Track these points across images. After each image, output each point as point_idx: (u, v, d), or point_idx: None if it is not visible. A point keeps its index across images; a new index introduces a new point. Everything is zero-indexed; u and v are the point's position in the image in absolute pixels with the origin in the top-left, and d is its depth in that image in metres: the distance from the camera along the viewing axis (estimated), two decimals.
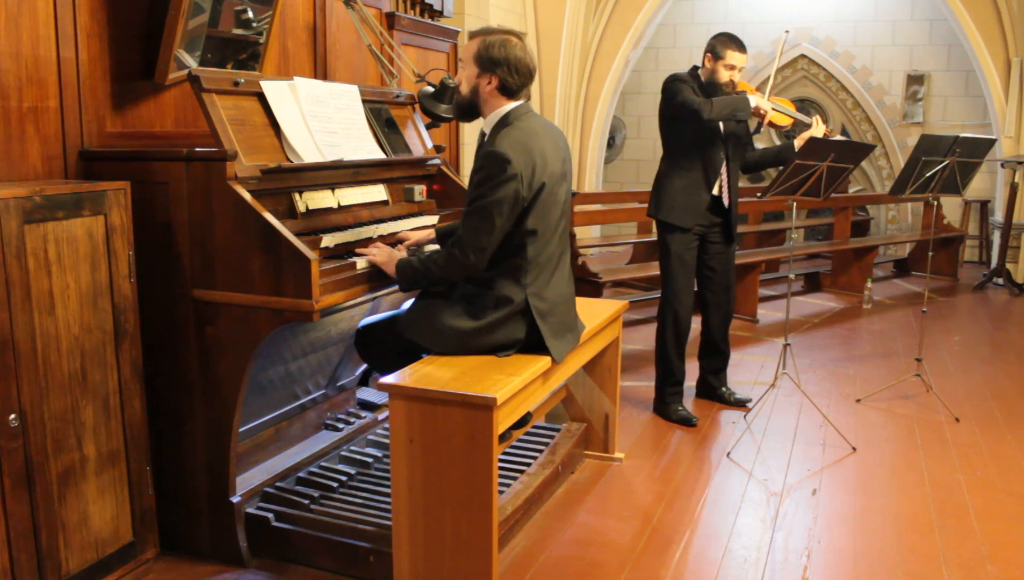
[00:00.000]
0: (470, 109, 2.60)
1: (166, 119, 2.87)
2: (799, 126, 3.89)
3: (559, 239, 2.64)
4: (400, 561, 2.38)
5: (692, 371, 4.14)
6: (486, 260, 2.48)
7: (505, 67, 2.48)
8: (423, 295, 2.68)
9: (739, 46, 3.69)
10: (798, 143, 3.73)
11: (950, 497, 3.12)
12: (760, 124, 3.79)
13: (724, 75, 3.69)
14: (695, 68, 3.80)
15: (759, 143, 4.12)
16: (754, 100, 3.66)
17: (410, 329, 2.60)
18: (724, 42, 3.69)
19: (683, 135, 3.75)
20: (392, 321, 2.71)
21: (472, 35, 2.56)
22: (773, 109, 3.77)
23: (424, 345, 2.58)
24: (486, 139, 2.56)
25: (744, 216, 3.87)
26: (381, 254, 2.60)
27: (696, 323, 4.06)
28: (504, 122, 2.52)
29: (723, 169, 3.79)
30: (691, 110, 3.57)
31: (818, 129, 3.78)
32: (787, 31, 4.23)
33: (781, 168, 3.65)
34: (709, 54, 3.72)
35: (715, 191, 3.80)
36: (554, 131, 2.65)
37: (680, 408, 3.91)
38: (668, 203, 3.80)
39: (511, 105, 2.53)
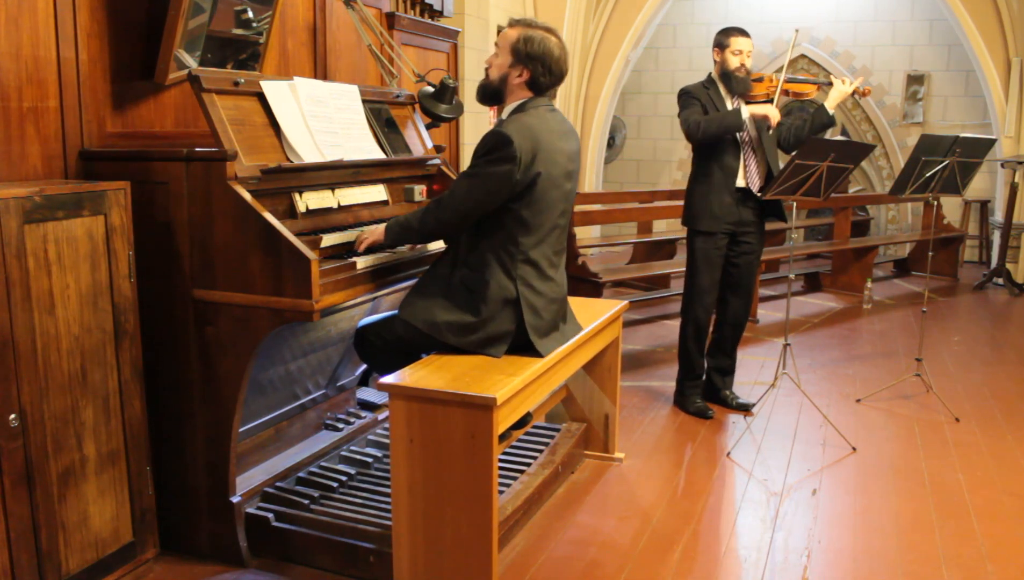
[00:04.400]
0: (495, 94, 2.63)
1: (166, 119, 2.87)
2: (823, 90, 3.87)
3: (557, 237, 2.65)
4: (400, 561, 2.38)
5: None
6: (459, 225, 2.52)
7: (540, 63, 2.52)
8: (420, 283, 2.67)
9: (740, 32, 3.81)
10: (829, 104, 3.77)
11: (950, 497, 3.12)
12: (769, 126, 3.77)
13: (733, 61, 3.77)
14: (708, 75, 3.87)
15: None
16: (747, 112, 3.68)
17: (405, 312, 2.61)
18: (726, 31, 3.83)
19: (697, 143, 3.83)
20: (391, 321, 2.71)
21: (513, 23, 2.58)
22: (790, 85, 3.78)
23: (418, 328, 2.57)
24: (499, 121, 2.59)
25: (785, 213, 3.95)
26: (372, 233, 2.64)
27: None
28: (521, 108, 2.56)
29: (741, 163, 3.80)
30: (685, 133, 3.75)
31: (845, 86, 3.77)
32: (796, 30, 4.25)
33: (781, 168, 3.65)
34: (716, 48, 3.83)
35: (740, 183, 3.81)
36: (568, 129, 2.67)
37: (697, 400, 3.99)
38: (694, 211, 3.89)
39: (533, 97, 2.58)
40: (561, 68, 2.55)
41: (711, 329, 4.09)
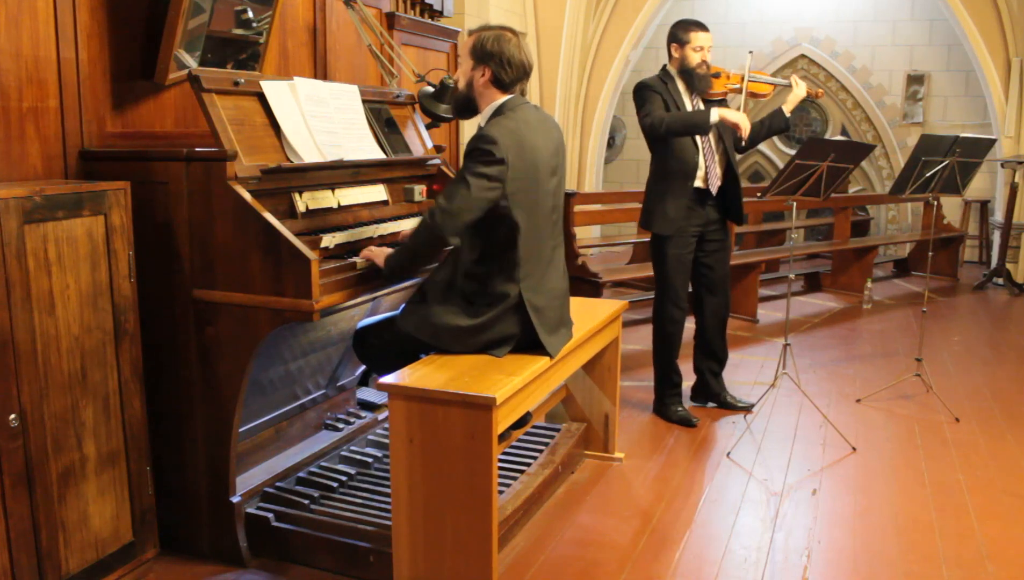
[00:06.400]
0: (467, 103, 2.64)
1: (166, 119, 2.87)
2: (781, 92, 3.82)
3: (551, 232, 2.65)
4: (400, 561, 2.38)
5: (690, 372, 4.13)
6: (454, 230, 2.46)
7: (498, 59, 2.52)
8: (420, 292, 2.68)
9: (700, 26, 3.66)
10: (787, 108, 3.70)
11: (950, 497, 3.12)
12: (739, 137, 3.64)
13: (695, 58, 3.64)
14: (664, 67, 3.74)
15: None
16: (716, 114, 3.53)
17: (406, 323, 2.60)
18: (684, 27, 3.67)
19: (648, 137, 3.72)
20: (390, 322, 2.71)
21: (470, 33, 2.61)
22: (752, 82, 3.69)
23: (420, 339, 2.58)
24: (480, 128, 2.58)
25: (744, 215, 3.81)
26: (370, 252, 2.61)
27: (691, 323, 4.05)
28: (498, 112, 2.55)
29: (702, 161, 3.70)
30: (646, 128, 3.61)
31: (800, 88, 3.69)
32: (751, 52, 4.09)
33: (781, 168, 3.64)
34: (674, 44, 3.68)
35: (699, 183, 3.72)
36: (548, 123, 2.66)
37: (680, 408, 3.90)
38: (652, 213, 3.78)
39: (506, 97, 2.56)
40: (520, 60, 2.54)
41: (695, 331, 4.05)
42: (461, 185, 2.43)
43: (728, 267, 3.97)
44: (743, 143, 3.69)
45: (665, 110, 3.62)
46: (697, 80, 3.66)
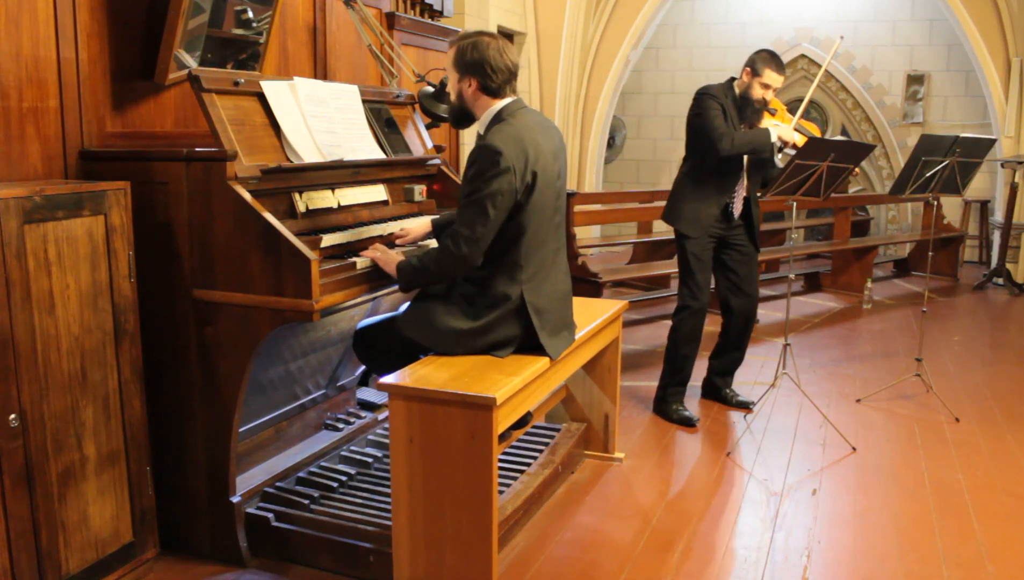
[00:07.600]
0: (462, 115, 2.63)
1: (166, 119, 2.87)
2: None
3: (554, 235, 2.65)
4: (400, 561, 2.38)
5: (699, 371, 4.14)
6: (480, 254, 2.47)
7: (481, 68, 2.51)
8: (421, 295, 2.68)
9: (778, 67, 3.70)
10: None
11: (950, 497, 3.12)
12: (783, 148, 3.73)
13: (758, 92, 3.69)
14: (731, 80, 3.78)
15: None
16: (775, 133, 3.64)
17: (408, 327, 2.60)
18: (765, 60, 3.69)
19: (704, 147, 3.74)
20: (391, 322, 2.71)
21: (449, 44, 2.60)
22: (798, 132, 3.74)
23: (423, 343, 2.58)
24: (481, 136, 2.58)
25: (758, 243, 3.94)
26: (382, 253, 2.61)
27: (715, 325, 4.06)
28: (498, 118, 2.54)
29: (739, 184, 3.78)
30: (711, 139, 3.61)
31: None
32: (841, 37, 4.09)
33: (781, 168, 3.65)
34: (748, 68, 3.72)
35: (727, 199, 3.79)
36: (548, 126, 2.66)
37: (680, 408, 3.91)
38: (680, 212, 3.83)
39: (502, 102, 2.56)
40: (504, 63, 2.52)
41: (718, 331, 4.06)
42: (479, 211, 2.41)
43: (753, 271, 3.97)
44: (777, 154, 3.75)
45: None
46: (749, 111, 3.72)
